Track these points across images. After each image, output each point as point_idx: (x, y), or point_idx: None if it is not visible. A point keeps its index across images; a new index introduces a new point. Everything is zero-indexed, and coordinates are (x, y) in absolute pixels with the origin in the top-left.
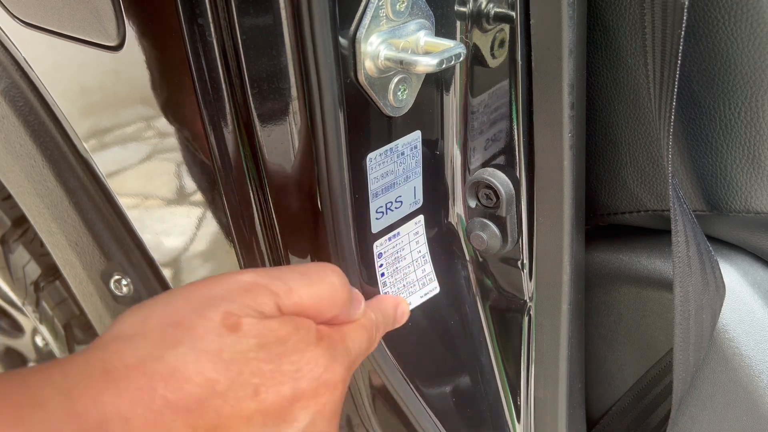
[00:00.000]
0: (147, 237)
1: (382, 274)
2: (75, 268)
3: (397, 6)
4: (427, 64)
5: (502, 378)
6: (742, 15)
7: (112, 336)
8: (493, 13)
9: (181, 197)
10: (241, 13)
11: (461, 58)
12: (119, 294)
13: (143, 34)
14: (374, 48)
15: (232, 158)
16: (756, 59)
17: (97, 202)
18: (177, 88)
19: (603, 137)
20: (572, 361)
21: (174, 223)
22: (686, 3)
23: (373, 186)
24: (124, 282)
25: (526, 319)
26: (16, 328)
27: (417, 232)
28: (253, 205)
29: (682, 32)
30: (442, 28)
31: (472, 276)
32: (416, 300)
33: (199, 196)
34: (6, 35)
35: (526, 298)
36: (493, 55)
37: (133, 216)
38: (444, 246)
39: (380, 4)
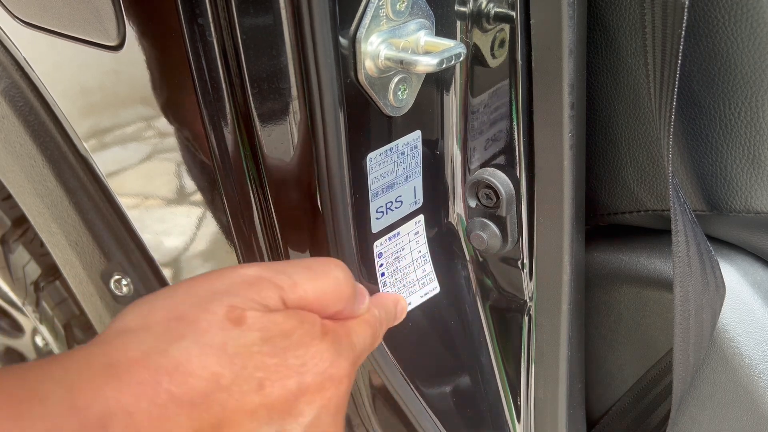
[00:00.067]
0: (147, 237)
1: (383, 274)
2: (75, 268)
3: (397, 6)
4: (427, 63)
5: (502, 378)
6: (742, 15)
7: (115, 330)
8: (494, 13)
9: (181, 197)
10: (241, 13)
11: (461, 58)
12: (119, 294)
13: (143, 34)
14: (374, 48)
15: (232, 158)
16: (756, 59)
17: (97, 202)
18: (177, 88)
19: (603, 137)
20: (572, 361)
21: (174, 223)
22: (686, 3)
23: (373, 186)
24: (124, 282)
25: (526, 319)
26: (16, 328)
27: (417, 232)
28: (253, 205)
29: (683, 32)
30: (443, 28)
31: (472, 276)
32: (416, 300)
33: (199, 196)
34: (6, 35)
35: (526, 298)
36: (493, 55)
37: (133, 216)
38: (444, 246)
39: (380, 3)
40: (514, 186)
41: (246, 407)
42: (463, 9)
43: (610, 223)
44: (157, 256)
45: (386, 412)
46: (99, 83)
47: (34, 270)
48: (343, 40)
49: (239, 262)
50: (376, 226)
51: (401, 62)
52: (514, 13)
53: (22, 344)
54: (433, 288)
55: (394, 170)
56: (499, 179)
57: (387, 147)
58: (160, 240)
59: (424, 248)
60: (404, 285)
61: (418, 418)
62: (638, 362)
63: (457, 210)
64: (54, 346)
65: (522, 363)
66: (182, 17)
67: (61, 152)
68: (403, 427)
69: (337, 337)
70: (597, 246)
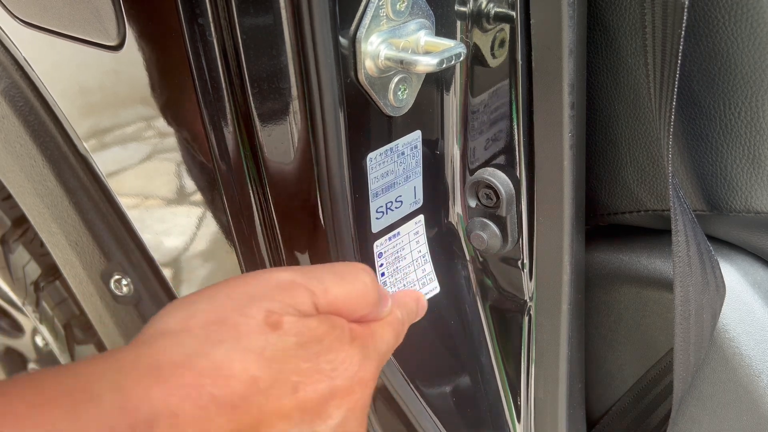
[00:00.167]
0: (147, 237)
1: (383, 274)
2: (75, 268)
3: (398, 6)
4: (427, 63)
5: (502, 378)
6: (742, 15)
7: (157, 332)
8: (494, 13)
9: (181, 197)
10: (241, 13)
11: (461, 58)
12: (119, 294)
13: (143, 34)
14: (374, 48)
15: (232, 158)
16: (756, 59)
17: (97, 202)
18: (177, 87)
19: (603, 137)
20: (572, 361)
21: (174, 223)
22: (686, 3)
23: (373, 186)
24: (124, 282)
25: (526, 319)
26: (16, 328)
27: (417, 232)
28: (253, 205)
29: (683, 32)
30: (443, 28)
31: (472, 276)
32: None
33: (199, 196)
34: (6, 35)
35: (526, 298)
36: (493, 55)
37: (133, 216)
38: (444, 246)
39: (380, 3)
40: (514, 186)
41: (281, 410)
42: (463, 9)
43: (610, 223)
44: (157, 256)
45: (386, 412)
46: (99, 83)
47: (34, 270)
48: (343, 40)
49: (239, 262)
50: (376, 226)
51: (401, 62)
52: (514, 13)
53: (22, 344)
54: (433, 288)
55: (394, 170)
56: (499, 179)
57: (387, 147)
58: (160, 240)
59: (424, 248)
60: (404, 285)
61: (418, 418)
62: (638, 362)
63: (457, 210)
64: (54, 346)
65: (522, 363)
66: (182, 17)
67: (61, 152)
68: (403, 427)
69: (365, 342)
70: (597, 246)
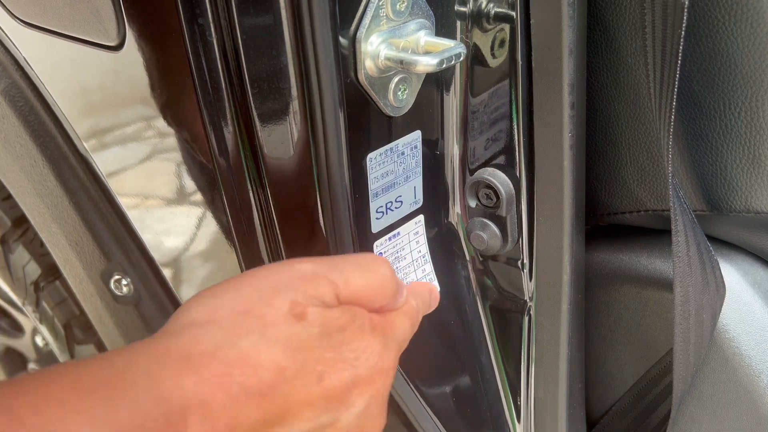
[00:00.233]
0: (147, 237)
1: None
2: (75, 268)
3: (398, 6)
4: (427, 63)
5: (502, 378)
6: (742, 15)
7: (185, 323)
8: (494, 13)
9: (181, 197)
10: (241, 13)
11: (461, 58)
12: (119, 294)
13: (143, 34)
14: (374, 48)
15: (232, 158)
16: (756, 59)
17: (97, 202)
18: (177, 87)
19: (603, 137)
20: (572, 361)
21: (174, 223)
22: (686, 3)
23: (373, 186)
24: (124, 282)
25: (526, 319)
26: (16, 328)
27: (417, 232)
28: (253, 205)
29: (683, 32)
30: (443, 28)
31: (472, 276)
32: None
33: (199, 196)
34: (6, 35)
35: (526, 298)
36: (493, 55)
37: (133, 216)
38: (444, 246)
39: (380, 3)
40: (514, 186)
41: (307, 398)
42: (463, 9)
43: (610, 223)
44: (157, 256)
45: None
46: (99, 83)
47: (34, 270)
48: (343, 40)
49: (239, 262)
50: (376, 226)
51: (401, 62)
52: (514, 13)
53: (22, 344)
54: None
55: (394, 170)
56: (499, 179)
57: (387, 147)
58: (160, 240)
59: (424, 248)
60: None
61: (418, 418)
62: (638, 362)
63: (457, 210)
64: (54, 346)
65: (522, 363)
66: (182, 17)
67: (61, 152)
68: (403, 428)
69: (384, 331)
70: (597, 246)
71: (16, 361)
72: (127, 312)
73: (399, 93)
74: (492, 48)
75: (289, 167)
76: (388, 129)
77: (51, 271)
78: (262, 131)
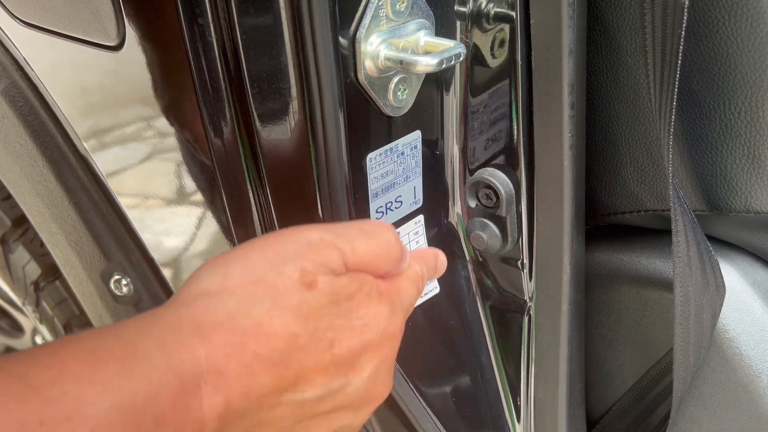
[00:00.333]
0: (147, 237)
1: None
2: (75, 268)
3: (397, 6)
4: (427, 63)
5: (502, 378)
6: (742, 15)
7: (196, 292)
8: (493, 13)
9: (181, 197)
10: (241, 13)
11: (461, 58)
12: (119, 294)
13: (143, 34)
14: (374, 48)
15: (232, 158)
16: (756, 59)
17: (97, 202)
18: (177, 88)
19: (603, 137)
20: (572, 361)
21: (174, 223)
22: (686, 3)
23: (373, 186)
24: (124, 282)
25: (526, 318)
26: (16, 328)
27: (417, 232)
28: (253, 205)
29: (683, 32)
30: (442, 28)
31: (472, 276)
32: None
33: (199, 196)
34: (6, 35)
35: (526, 298)
36: (493, 55)
37: (133, 216)
38: (444, 246)
39: (380, 3)
40: (514, 186)
41: (319, 365)
42: (463, 9)
43: (610, 223)
44: (157, 256)
45: (386, 412)
46: (99, 83)
47: (34, 270)
48: (343, 40)
49: None
50: None
51: (401, 62)
52: (514, 13)
53: (22, 344)
54: (433, 288)
55: (394, 170)
56: (499, 179)
57: (387, 147)
58: (160, 240)
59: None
60: None
61: (418, 418)
62: (638, 362)
63: (457, 210)
64: None
65: (522, 363)
66: (182, 17)
67: (61, 152)
68: (403, 428)
69: (391, 297)
70: (597, 246)
71: None
72: (127, 312)
73: (399, 93)
74: (492, 48)
75: (289, 167)
76: (388, 129)
77: (51, 271)
78: (262, 131)
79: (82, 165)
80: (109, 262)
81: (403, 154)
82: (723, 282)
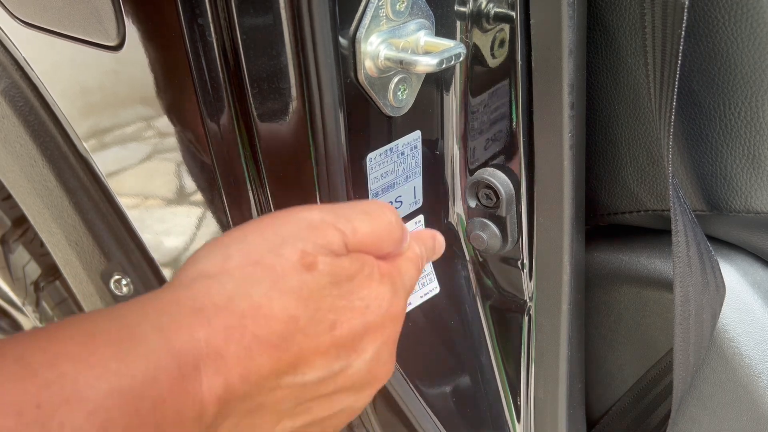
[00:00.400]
0: (147, 237)
1: None
2: (75, 268)
3: (397, 6)
4: (427, 63)
5: (502, 378)
6: (742, 15)
7: (194, 275)
8: (493, 13)
9: (181, 197)
10: (241, 13)
11: (461, 58)
12: (119, 294)
13: (143, 34)
14: (374, 48)
15: (232, 158)
16: (756, 59)
17: (97, 202)
18: (177, 87)
19: (603, 137)
20: (572, 361)
21: (174, 223)
22: (686, 3)
23: (372, 186)
24: (124, 282)
25: (526, 319)
26: (16, 328)
27: None
28: (253, 205)
29: (683, 32)
30: (442, 28)
31: (472, 276)
32: (416, 300)
33: (199, 196)
34: (6, 35)
35: (526, 298)
36: (493, 55)
37: (133, 216)
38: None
39: (380, 4)
40: (514, 186)
41: (319, 347)
42: (463, 9)
43: (610, 223)
44: (157, 256)
45: (386, 412)
46: (99, 83)
47: (34, 270)
48: (343, 40)
49: None
50: None
51: (401, 62)
52: (514, 13)
53: None
54: (433, 288)
55: (394, 170)
56: (499, 179)
57: (387, 147)
58: (160, 240)
59: None
60: None
61: (418, 418)
62: (638, 362)
63: (457, 210)
64: None
65: (522, 363)
66: (182, 17)
67: (61, 152)
68: (403, 428)
69: (392, 278)
70: (597, 246)
71: None
72: None
73: (399, 93)
74: (492, 48)
75: (289, 167)
76: (388, 129)
77: (51, 271)
78: (262, 131)
79: (82, 165)
80: (109, 262)
81: (403, 154)
82: (723, 282)
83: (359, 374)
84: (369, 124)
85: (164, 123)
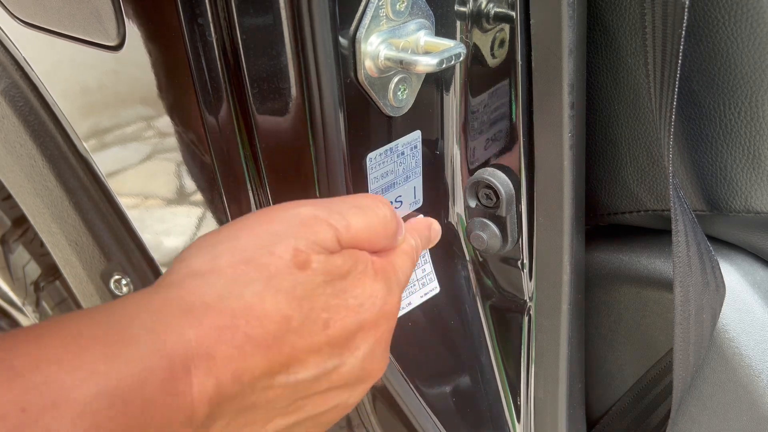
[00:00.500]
0: (147, 237)
1: None
2: (75, 268)
3: (397, 6)
4: (427, 63)
5: (502, 378)
6: (742, 15)
7: (185, 273)
8: (493, 13)
9: (181, 197)
10: (241, 13)
11: (461, 58)
12: (119, 294)
13: (143, 34)
14: (374, 48)
15: (232, 158)
16: (756, 59)
17: (97, 202)
18: (177, 87)
19: (603, 137)
20: (572, 361)
21: (174, 223)
22: (687, 3)
23: (372, 186)
24: (124, 282)
25: (526, 319)
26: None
27: None
28: (253, 206)
29: (683, 32)
30: (442, 28)
31: (472, 276)
32: (416, 300)
33: (199, 196)
34: (6, 35)
35: (526, 298)
36: (493, 55)
37: (133, 216)
38: (444, 246)
39: (380, 3)
40: (514, 186)
41: (313, 346)
42: (463, 9)
43: (610, 223)
44: (157, 256)
45: (386, 412)
46: (99, 83)
47: (34, 270)
48: (343, 40)
49: None
50: None
51: (401, 62)
52: (514, 13)
53: None
54: (433, 288)
55: (394, 170)
56: (499, 179)
57: (387, 147)
58: (160, 240)
59: None
60: None
61: (418, 418)
62: (638, 362)
63: (457, 210)
64: None
65: (522, 363)
66: (182, 17)
67: (61, 152)
68: (403, 427)
69: (387, 274)
70: (597, 246)
71: None
72: None
73: (399, 93)
74: (492, 48)
75: (289, 167)
76: (388, 129)
77: (51, 271)
78: (262, 131)
79: (82, 165)
80: (109, 262)
81: (403, 154)
82: (723, 282)
83: (353, 371)
84: (369, 124)
85: (164, 123)
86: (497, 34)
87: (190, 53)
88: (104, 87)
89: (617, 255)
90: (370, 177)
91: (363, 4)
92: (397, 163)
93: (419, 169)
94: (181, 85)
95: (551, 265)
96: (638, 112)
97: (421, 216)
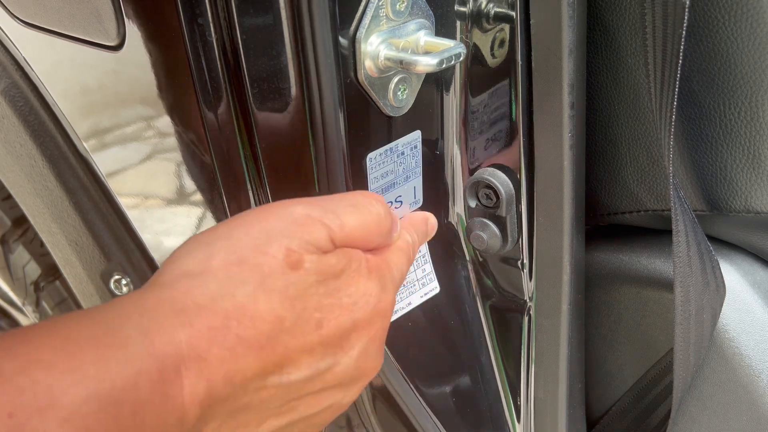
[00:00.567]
0: (147, 237)
1: None
2: (75, 268)
3: (397, 6)
4: (427, 63)
5: (502, 378)
6: (742, 15)
7: (177, 274)
8: (493, 13)
9: (181, 197)
10: (241, 13)
11: (461, 58)
12: (119, 294)
13: (143, 34)
14: (374, 48)
15: (232, 158)
16: (756, 59)
17: (97, 202)
18: (177, 87)
19: (603, 137)
20: (572, 361)
21: (174, 223)
22: (687, 2)
23: (372, 186)
24: (124, 282)
25: (526, 319)
26: None
27: None
28: (253, 205)
29: (683, 32)
30: (442, 28)
31: (472, 276)
32: (416, 300)
33: (199, 196)
34: (6, 35)
35: (526, 298)
36: (493, 55)
37: (133, 216)
38: (444, 246)
39: (380, 3)
40: (514, 186)
41: (306, 346)
42: (463, 9)
43: (610, 223)
44: (157, 256)
45: (386, 412)
46: (99, 83)
47: (34, 270)
48: (343, 40)
49: None
50: None
51: (401, 62)
52: (514, 13)
53: None
54: (433, 288)
55: (394, 170)
56: (499, 179)
57: (387, 147)
58: (160, 240)
59: (424, 248)
60: (404, 285)
61: (418, 418)
62: (638, 362)
63: (457, 210)
64: None
65: (522, 363)
66: (182, 17)
67: (61, 152)
68: (403, 427)
69: (381, 272)
70: (597, 246)
71: None
72: None
73: (399, 93)
74: (492, 48)
75: (289, 167)
76: (388, 129)
77: (51, 271)
78: (262, 131)
79: (82, 165)
80: (109, 262)
81: (403, 154)
82: (723, 282)
83: (347, 371)
84: (369, 124)
85: (164, 123)
86: (497, 34)
87: (190, 53)
88: (104, 87)
89: (617, 255)
90: (370, 177)
91: (363, 4)
92: (397, 163)
93: (419, 169)
94: (181, 85)
95: (551, 265)
96: (638, 112)
97: (418, 211)
